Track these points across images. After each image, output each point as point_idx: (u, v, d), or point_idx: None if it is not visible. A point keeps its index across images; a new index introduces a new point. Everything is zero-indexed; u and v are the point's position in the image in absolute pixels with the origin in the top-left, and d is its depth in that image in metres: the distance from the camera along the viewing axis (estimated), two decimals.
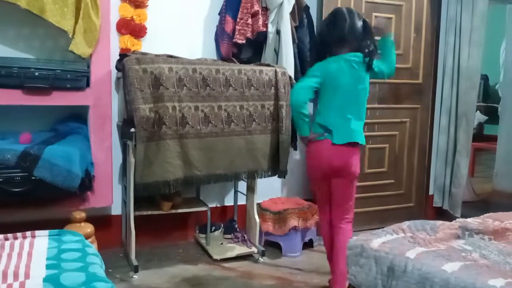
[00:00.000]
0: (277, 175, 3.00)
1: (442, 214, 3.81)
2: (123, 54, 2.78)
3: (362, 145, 2.43)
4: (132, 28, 2.97)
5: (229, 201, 3.43)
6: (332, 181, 2.45)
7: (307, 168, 2.61)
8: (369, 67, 2.40)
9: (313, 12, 3.44)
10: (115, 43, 2.91)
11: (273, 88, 2.88)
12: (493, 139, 5.13)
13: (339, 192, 2.46)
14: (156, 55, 2.75)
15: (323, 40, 2.47)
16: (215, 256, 2.98)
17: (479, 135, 6.46)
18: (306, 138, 2.48)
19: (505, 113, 4.73)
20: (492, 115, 6.34)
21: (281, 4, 3.08)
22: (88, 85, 2.69)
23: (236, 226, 3.29)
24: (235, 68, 2.81)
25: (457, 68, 3.77)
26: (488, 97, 7.32)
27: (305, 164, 3.61)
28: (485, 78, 7.08)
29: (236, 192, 3.35)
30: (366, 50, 2.37)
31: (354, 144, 2.39)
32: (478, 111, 6.47)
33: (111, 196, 2.86)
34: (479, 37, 3.69)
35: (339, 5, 3.42)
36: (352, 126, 2.38)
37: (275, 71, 2.90)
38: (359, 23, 2.38)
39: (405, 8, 3.66)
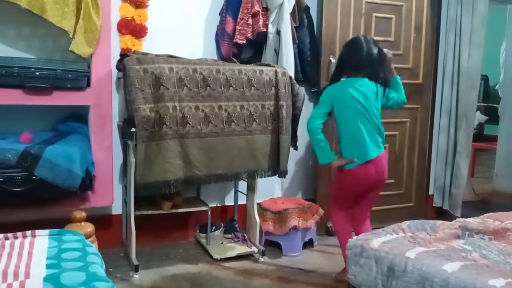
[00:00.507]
0: (277, 175, 3.00)
1: (442, 214, 3.82)
2: (124, 54, 2.78)
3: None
4: (132, 28, 2.97)
5: (229, 201, 3.43)
6: (367, 191, 2.61)
7: (342, 187, 2.64)
8: (383, 92, 2.56)
9: (313, 13, 3.44)
10: (115, 43, 2.91)
11: (273, 88, 2.88)
12: (493, 139, 5.14)
13: (373, 197, 2.66)
14: (156, 55, 2.75)
15: (341, 65, 2.60)
16: (216, 256, 2.98)
17: (479, 136, 6.46)
18: (331, 164, 2.59)
19: (505, 113, 4.73)
20: (492, 116, 6.34)
21: (282, 4, 3.08)
22: (88, 85, 2.69)
23: (237, 225, 3.29)
24: (235, 68, 2.81)
25: (457, 68, 3.77)
26: (488, 97, 7.32)
27: (306, 163, 3.63)
28: (485, 78, 7.08)
29: (236, 191, 3.35)
30: (382, 75, 2.54)
31: (380, 156, 2.53)
32: (478, 112, 6.47)
33: (112, 195, 2.86)
34: (479, 38, 3.69)
35: (339, 6, 3.43)
36: (371, 142, 2.51)
37: (276, 71, 2.90)
38: (375, 50, 2.51)
39: (405, 8, 3.66)
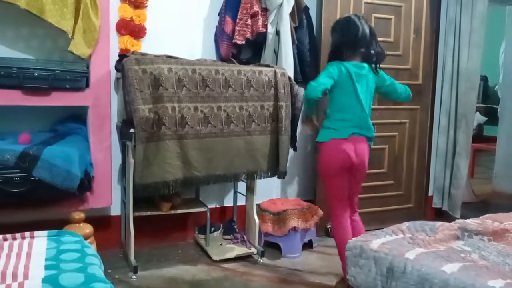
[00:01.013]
0: (276, 176, 2.99)
1: (442, 215, 3.82)
2: (123, 55, 2.78)
3: (371, 137, 2.61)
4: (131, 29, 2.97)
5: (228, 202, 3.43)
6: (348, 175, 2.56)
7: (322, 165, 2.61)
8: (376, 71, 2.59)
9: (313, 13, 3.44)
10: (114, 43, 2.91)
11: (272, 88, 2.88)
12: (493, 140, 5.14)
13: (355, 185, 2.62)
14: (155, 56, 2.75)
15: (336, 46, 2.59)
16: (215, 257, 2.98)
17: (478, 136, 6.46)
18: (309, 118, 2.72)
19: (505, 114, 4.74)
20: (492, 116, 6.35)
21: (281, 4, 3.08)
22: (87, 85, 2.69)
23: (236, 226, 3.29)
24: (234, 68, 2.80)
25: (457, 69, 3.77)
26: (488, 98, 7.32)
27: (305, 164, 3.63)
28: (484, 79, 7.08)
29: (235, 192, 3.34)
30: (374, 58, 2.56)
31: (362, 139, 2.55)
32: (477, 112, 6.47)
33: (110, 196, 2.86)
34: (479, 38, 3.69)
35: (338, 6, 3.43)
36: (358, 124, 2.54)
37: (275, 71, 2.89)
38: (367, 29, 2.54)
39: (405, 9, 3.67)
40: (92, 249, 1.79)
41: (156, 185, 2.59)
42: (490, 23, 4.12)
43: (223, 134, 2.75)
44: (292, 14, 3.18)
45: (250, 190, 3.14)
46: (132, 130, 2.52)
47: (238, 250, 3.07)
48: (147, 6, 3.00)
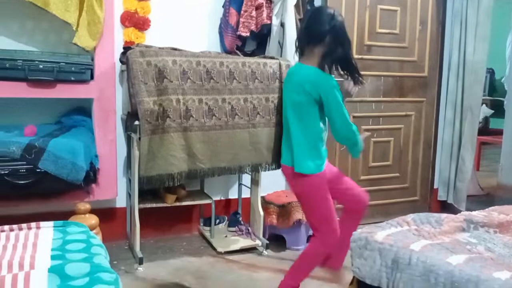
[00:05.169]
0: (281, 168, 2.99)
1: (447, 208, 3.80)
2: (127, 47, 2.77)
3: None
4: (136, 21, 2.96)
5: (233, 194, 3.43)
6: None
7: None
8: None
9: (318, 4, 3.42)
10: (119, 36, 2.91)
11: (277, 81, 2.86)
12: (499, 133, 5.10)
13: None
14: (160, 48, 2.74)
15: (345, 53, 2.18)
16: (219, 249, 2.99)
17: (484, 129, 6.42)
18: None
19: (511, 107, 4.69)
20: (498, 109, 6.30)
21: None
22: (92, 78, 2.69)
23: (240, 219, 3.29)
24: (239, 60, 2.79)
25: (463, 61, 3.74)
26: (494, 91, 7.27)
27: None
28: (491, 71, 7.03)
29: (240, 185, 3.35)
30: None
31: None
32: (484, 105, 6.43)
33: (116, 188, 2.87)
34: (485, 31, 3.65)
35: None
36: None
37: (279, 63, 2.88)
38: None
39: (411, 0, 3.64)
40: (97, 239, 1.80)
41: (161, 177, 2.59)
42: (497, 15, 4.08)
43: (228, 127, 2.75)
44: (297, 6, 3.16)
45: (255, 182, 3.14)
46: (137, 123, 2.53)
47: (243, 242, 3.08)
48: None
